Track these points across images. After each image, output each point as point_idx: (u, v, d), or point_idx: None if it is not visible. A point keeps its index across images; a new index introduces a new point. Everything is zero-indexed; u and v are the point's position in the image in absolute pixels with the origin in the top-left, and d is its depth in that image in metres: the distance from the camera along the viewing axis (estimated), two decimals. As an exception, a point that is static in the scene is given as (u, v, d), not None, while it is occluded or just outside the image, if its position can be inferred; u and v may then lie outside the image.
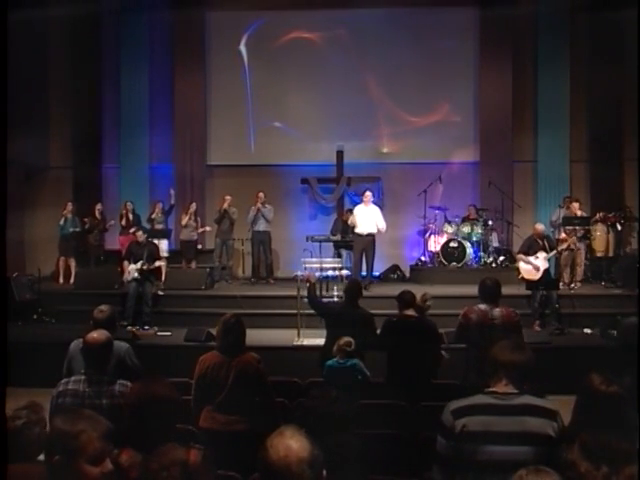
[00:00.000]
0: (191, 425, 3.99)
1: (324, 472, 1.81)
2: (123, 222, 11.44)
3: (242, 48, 13.04)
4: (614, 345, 7.19)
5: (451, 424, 2.62)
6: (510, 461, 2.47)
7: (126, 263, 9.51)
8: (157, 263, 9.78)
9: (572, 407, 2.74)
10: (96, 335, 3.67)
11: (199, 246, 12.19)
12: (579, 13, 12.21)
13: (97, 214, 11.73)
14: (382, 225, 10.18)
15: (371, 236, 10.16)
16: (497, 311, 4.97)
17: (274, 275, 11.57)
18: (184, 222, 11.53)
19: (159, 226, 11.38)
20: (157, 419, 2.50)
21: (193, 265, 11.53)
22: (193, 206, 11.70)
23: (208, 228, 12.01)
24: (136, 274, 9.27)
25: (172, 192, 11.89)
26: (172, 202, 11.81)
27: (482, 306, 5.04)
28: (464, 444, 2.57)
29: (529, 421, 2.55)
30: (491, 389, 2.67)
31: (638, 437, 2.41)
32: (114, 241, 11.99)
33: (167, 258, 11.25)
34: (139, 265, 9.30)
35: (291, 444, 1.77)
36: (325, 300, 6.73)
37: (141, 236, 9.76)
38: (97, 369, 3.58)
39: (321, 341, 6.05)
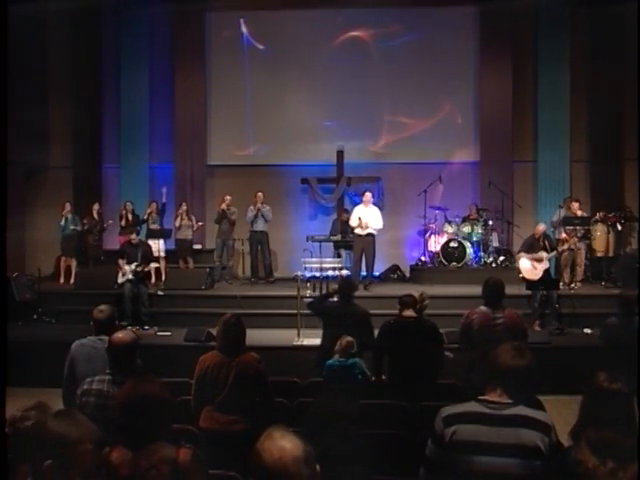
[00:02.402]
0: (191, 425, 3.99)
1: (317, 467, 1.80)
2: (123, 222, 11.43)
3: (241, 48, 13.04)
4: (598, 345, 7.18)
5: (441, 431, 2.58)
6: (497, 473, 2.45)
7: (121, 262, 9.51)
8: (152, 265, 9.79)
9: (573, 407, 2.73)
10: (122, 335, 3.66)
11: (199, 246, 12.19)
12: (579, 13, 12.22)
13: (95, 214, 11.73)
14: (379, 225, 10.20)
15: (371, 236, 10.16)
16: (499, 314, 4.94)
17: (274, 275, 11.55)
18: (177, 223, 11.51)
19: (154, 226, 11.37)
20: (147, 418, 2.49)
21: (190, 264, 11.52)
22: (183, 206, 11.63)
23: (200, 223, 11.97)
24: (130, 275, 9.29)
25: (164, 190, 11.86)
26: (164, 200, 11.78)
27: (483, 308, 5.01)
28: (452, 452, 2.54)
29: (520, 433, 2.48)
30: (485, 397, 2.62)
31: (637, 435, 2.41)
32: (114, 241, 12.00)
33: (165, 258, 11.27)
34: (133, 266, 9.33)
35: (284, 445, 1.76)
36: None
37: (135, 238, 9.78)
38: (122, 369, 3.55)
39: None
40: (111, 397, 3.42)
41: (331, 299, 6.16)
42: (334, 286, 6.58)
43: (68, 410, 1.97)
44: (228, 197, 11.42)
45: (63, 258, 11.54)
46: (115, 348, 3.62)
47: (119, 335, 3.66)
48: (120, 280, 9.39)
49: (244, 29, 13.04)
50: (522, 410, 2.55)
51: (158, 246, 10.87)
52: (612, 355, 5.00)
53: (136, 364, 3.74)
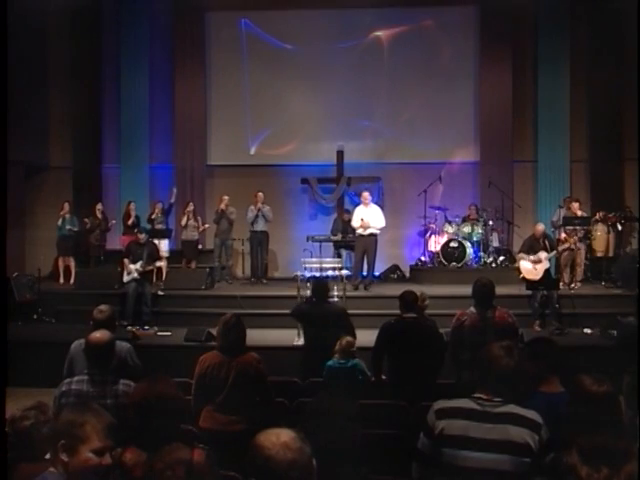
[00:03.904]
0: (191, 425, 3.99)
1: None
2: (130, 222, 11.44)
3: (241, 47, 13.03)
4: (613, 345, 7.19)
5: (433, 424, 2.63)
6: (487, 468, 2.48)
7: (126, 261, 9.51)
8: (157, 263, 9.80)
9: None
10: (99, 335, 3.67)
11: (200, 246, 12.19)
12: (579, 13, 12.22)
13: (98, 214, 11.73)
14: (381, 224, 10.19)
15: (373, 236, 10.15)
16: (489, 314, 4.97)
17: (273, 275, 11.55)
18: (183, 223, 11.52)
19: (159, 226, 11.38)
20: (162, 418, 2.50)
21: (193, 265, 11.52)
22: (190, 206, 11.66)
23: (207, 225, 12.00)
24: (135, 274, 9.30)
25: (174, 190, 11.88)
26: (172, 201, 11.81)
27: (473, 309, 5.05)
28: (442, 446, 2.57)
29: (509, 429, 2.51)
30: (477, 394, 2.66)
31: (638, 436, 2.40)
32: (115, 241, 12.00)
33: (167, 258, 11.27)
34: (139, 265, 9.33)
35: (298, 445, 1.79)
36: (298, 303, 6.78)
37: (142, 237, 9.79)
38: (100, 369, 3.58)
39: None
40: (91, 397, 3.45)
41: (308, 302, 6.23)
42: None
43: (82, 401, 2.15)
44: (226, 197, 11.43)
45: (61, 258, 11.53)
46: (92, 348, 3.64)
47: (96, 335, 3.68)
48: (125, 279, 9.39)
49: (243, 29, 13.05)
50: (512, 408, 2.58)
51: (160, 246, 10.88)
52: (627, 355, 4.98)
53: (114, 363, 3.74)
